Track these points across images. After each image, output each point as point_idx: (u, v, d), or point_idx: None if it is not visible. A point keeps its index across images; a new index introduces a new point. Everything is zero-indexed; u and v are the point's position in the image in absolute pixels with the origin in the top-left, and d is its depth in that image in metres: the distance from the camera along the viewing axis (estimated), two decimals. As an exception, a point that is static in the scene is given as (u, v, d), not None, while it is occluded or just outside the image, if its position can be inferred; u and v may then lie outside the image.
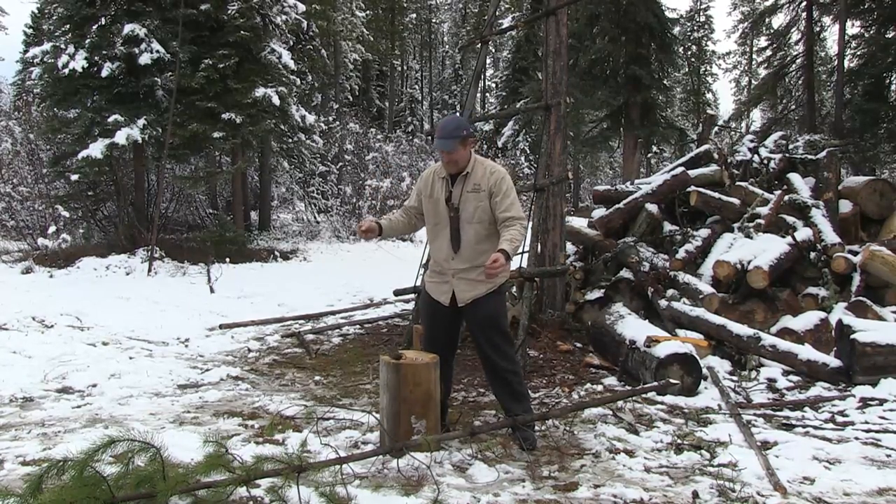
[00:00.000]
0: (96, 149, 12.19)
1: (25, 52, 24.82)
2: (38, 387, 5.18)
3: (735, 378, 5.39)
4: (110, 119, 12.41)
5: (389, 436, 3.67)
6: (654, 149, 29.80)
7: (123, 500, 2.76)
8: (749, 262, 6.36)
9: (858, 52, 18.77)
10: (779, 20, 22.89)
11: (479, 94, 39.95)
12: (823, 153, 7.87)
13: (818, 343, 5.72)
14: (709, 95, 44.10)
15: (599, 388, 5.28)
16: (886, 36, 17.28)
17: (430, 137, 34.14)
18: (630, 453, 3.80)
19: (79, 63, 12.56)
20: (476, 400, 5.00)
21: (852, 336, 5.18)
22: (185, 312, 8.56)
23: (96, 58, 12.80)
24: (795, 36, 22.11)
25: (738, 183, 7.90)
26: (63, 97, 13.36)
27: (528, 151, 31.38)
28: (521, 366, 5.50)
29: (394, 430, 3.67)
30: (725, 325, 5.79)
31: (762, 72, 27.31)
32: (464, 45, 28.63)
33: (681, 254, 7.05)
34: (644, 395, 4.76)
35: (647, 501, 3.18)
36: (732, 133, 23.36)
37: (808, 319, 5.98)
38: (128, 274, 11.86)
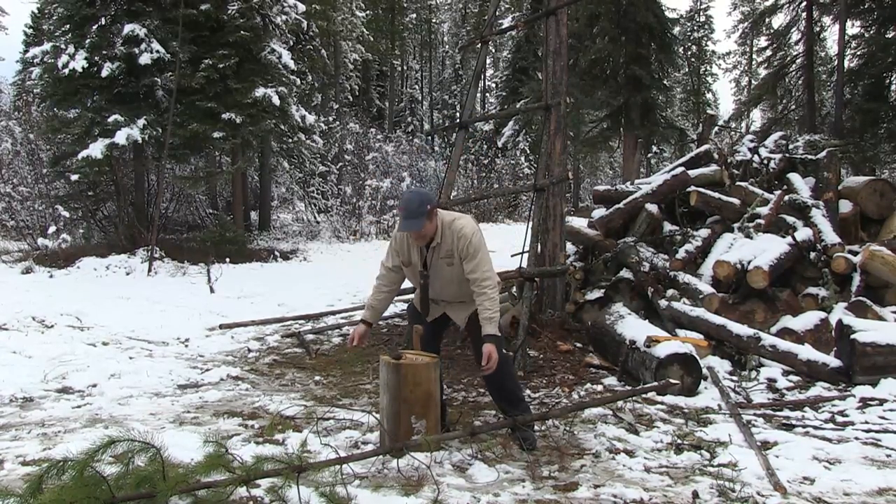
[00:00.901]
0: (96, 149, 12.20)
1: (25, 52, 24.84)
2: (38, 387, 5.17)
3: (735, 378, 5.39)
4: (110, 119, 12.41)
5: (389, 436, 3.67)
6: (654, 149, 29.87)
7: (123, 500, 2.76)
8: (749, 262, 6.36)
9: (858, 52, 18.77)
10: (779, 20, 22.92)
11: (479, 94, 39.94)
12: (823, 153, 7.86)
13: (818, 343, 5.72)
14: (709, 95, 44.16)
15: (599, 388, 5.28)
16: (886, 36, 17.28)
17: (430, 137, 34.21)
18: (630, 453, 3.80)
19: (79, 63, 12.57)
20: (476, 400, 5.00)
21: (852, 336, 5.17)
22: (185, 312, 8.55)
23: (96, 58, 12.81)
24: (795, 36, 22.12)
25: (738, 183, 7.90)
26: (63, 97, 13.37)
27: (528, 151, 31.36)
28: (522, 365, 5.52)
29: (394, 430, 3.66)
30: (725, 325, 5.79)
31: (762, 72, 27.31)
32: (464, 45, 28.66)
33: (681, 254, 7.05)
34: (644, 395, 4.76)
35: (647, 501, 3.18)
36: (732, 133, 23.35)
37: (808, 319, 5.98)
38: (128, 274, 11.86)
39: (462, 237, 3.75)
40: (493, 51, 41.15)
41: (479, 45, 7.87)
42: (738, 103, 35.27)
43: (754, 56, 34.36)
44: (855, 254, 6.54)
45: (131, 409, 4.67)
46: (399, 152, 25.16)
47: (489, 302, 3.70)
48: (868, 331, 5.22)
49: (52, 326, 7.39)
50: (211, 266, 11.49)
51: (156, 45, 13.00)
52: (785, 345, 5.51)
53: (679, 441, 3.98)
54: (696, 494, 3.22)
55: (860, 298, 6.23)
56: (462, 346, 6.26)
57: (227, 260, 13.01)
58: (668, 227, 7.74)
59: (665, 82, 21.65)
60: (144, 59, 12.83)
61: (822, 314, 6.05)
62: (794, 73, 21.89)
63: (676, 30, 25.90)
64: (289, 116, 15.96)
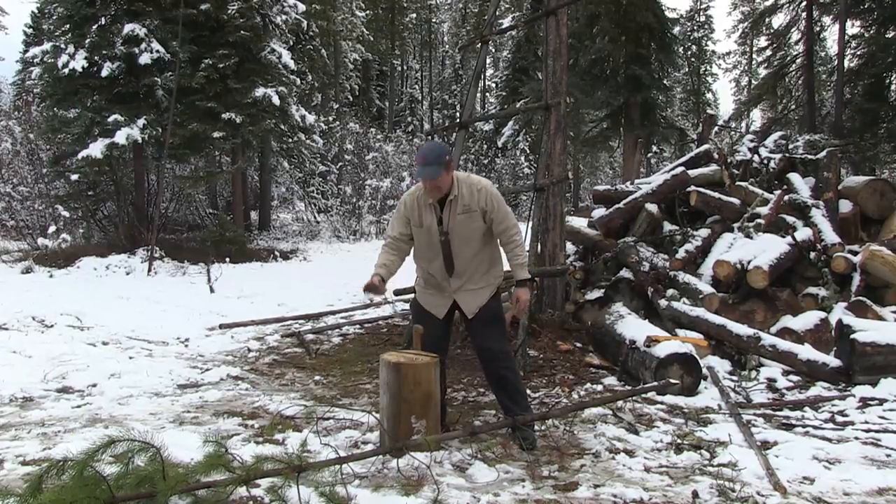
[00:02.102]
0: (96, 149, 12.21)
1: (25, 52, 24.82)
2: (38, 387, 5.17)
3: (735, 378, 5.39)
4: (110, 119, 12.43)
5: (389, 436, 3.67)
6: (654, 149, 29.82)
7: (123, 500, 2.76)
8: (749, 262, 6.36)
9: (858, 52, 18.76)
10: (779, 20, 22.93)
11: (479, 94, 39.93)
12: (823, 153, 7.87)
13: (818, 343, 5.72)
14: (709, 95, 44.16)
15: (599, 388, 5.28)
16: (886, 36, 17.27)
17: (430, 137, 34.22)
18: (630, 453, 3.80)
19: (79, 63, 12.58)
20: (476, 400, 5.00)
21: (852, 336, 5.17)
22: (185, 312, 8.56)
23: (96, 58, 12.82)
24: (795, 36, 22.12)
25: (738, 183, 7.90)
26: (63, 97, 13.39)
27: (528, 151, 31.38)
28: (522, 365, 5.52)
29: (394, 430, 3.66)
30: (725, 325, 5.79)
31: (762, 72, 27.32)
32: (464, 45, 28.65)
33: (681, 254, 7.05)
34: (644, 395, 4.75)
35: (647, 501, 3.17)
36: (732, 133, 23.35)
37: (808, 319, 5.98)
38: (128, 274, 11.87)
39: (481, 189, 3.82)
40: (493, 51, 41.15)
41: (479, 45, 7.87)
42: (738, 103, 35.28)
43: (754, 56, 34.38)
44: (855, 254, 6.54)
45: (131, 409, 4.66)
46: (399, 152, 25.19)
47: (518, 248, 3.88)
48: (868, 331, 5.22)
49: (52, 326, 7.39)
50: (211, 266, 11.50)
51: (156, 45, 13.01)
52: (785, 345, 5.51)
53: (679, 441, 3.98)
54: (696, 494, 3.22)
55: (860, 298, 6.23)
56: (462, 346, 6.26)
57: (227, 260, 13.02)
58: (668, 226, 7.74)
59: (665, 82, 21.61)
60: (144, 59, 12.84)
61: (822, 314, 6.05)
62: (794, 73, 21.89)
63: (676, 30, 25.85)
64: (289, 116, 15.98)
